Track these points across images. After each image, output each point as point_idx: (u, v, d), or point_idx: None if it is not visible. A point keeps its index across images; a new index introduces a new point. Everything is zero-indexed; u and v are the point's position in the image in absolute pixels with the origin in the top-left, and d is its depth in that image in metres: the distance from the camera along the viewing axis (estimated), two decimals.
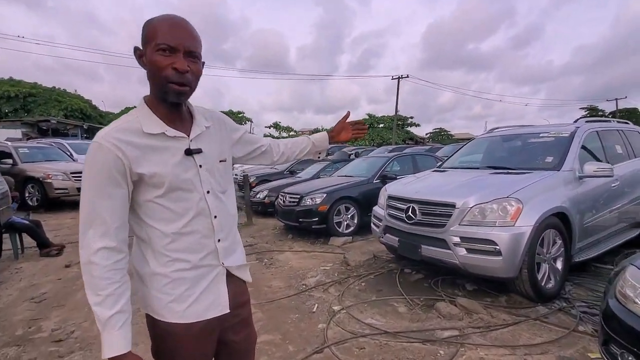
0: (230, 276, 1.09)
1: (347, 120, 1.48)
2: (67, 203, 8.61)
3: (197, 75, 0.97)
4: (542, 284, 2.92)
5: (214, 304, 1.04)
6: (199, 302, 1.00)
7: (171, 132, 0.96)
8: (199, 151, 1.00)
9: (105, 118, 29.54)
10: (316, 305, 3.05)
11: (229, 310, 1.06)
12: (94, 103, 30.26)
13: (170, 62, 0.90)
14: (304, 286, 3.51)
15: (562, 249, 3.09)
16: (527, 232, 2.75)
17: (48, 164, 8.31)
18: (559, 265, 3.09)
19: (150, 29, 0.92)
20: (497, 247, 2.73)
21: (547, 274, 2.98)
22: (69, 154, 10.15)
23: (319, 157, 1.50)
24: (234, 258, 1.10)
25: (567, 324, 2.60)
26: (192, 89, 0.97)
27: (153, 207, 0.95)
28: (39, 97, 25.78)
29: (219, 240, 1.04)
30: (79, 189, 8.80)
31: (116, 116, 39.82)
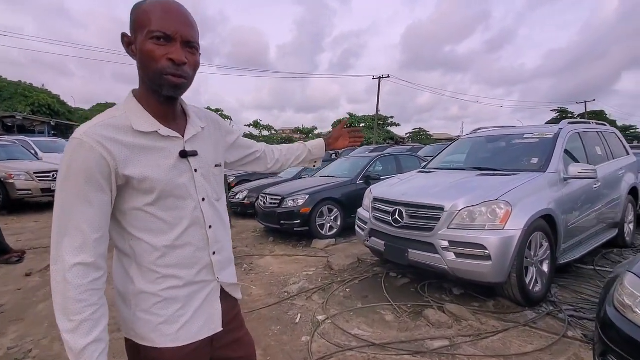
0: (222, 292, 1.00)
1: (344, 128, 1.43)
2: (31, 205, 8.08)
3: (195, 68, 0.87)
4: (530, 288, 2.86)
5: (208, 322, 0.94)
6: (192, 323, 0.90)
7: (164, 130, 0.86)
8: (194, 154, 0.90)
9: (74, 114, 28.25)
10: (299, 315, 2.88)
11: (221, 329, 0.97)
12: (62, 98, 28.84)
13: (166, 52, 0.80)
14: (285, 294, 3.34)
15: (549, 251, 3.06)
16: (517, 236, 2.69)
17: (10, 163, 7.76)
18: (545, 268, 3.06)
19: (142, 14, 0.80)
20: (487, 252, 2.65)
21: (534, 277, 2.94)
22: (33, 152, 9.55)
23: (314, 166, 1.44)
24: (227, 273, 1.01)
25: (556, 329, 2.55)
26: (190, 82, 0.87)
27: (140, 217, 0.84)
28: (4, 91, 24.37)
29: (213, 253, 0.94)
30: (43, 190, 8.16)
31: (87, 112, 38.18)
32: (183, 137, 0.89)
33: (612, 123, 36.30)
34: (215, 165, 0.99)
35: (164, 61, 0.79)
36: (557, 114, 40.31)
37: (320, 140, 1.40)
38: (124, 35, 0.84)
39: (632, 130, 39.16)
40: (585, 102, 38.33)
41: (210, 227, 0.93)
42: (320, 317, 2.81)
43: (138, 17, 0.81)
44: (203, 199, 0.92)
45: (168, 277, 0.86)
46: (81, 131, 0.78)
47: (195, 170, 0.90)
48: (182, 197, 0.87)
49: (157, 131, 0.84)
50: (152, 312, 0.86)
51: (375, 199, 3.61)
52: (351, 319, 2.80)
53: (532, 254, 2.92)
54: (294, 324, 2.75)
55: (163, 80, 0.81)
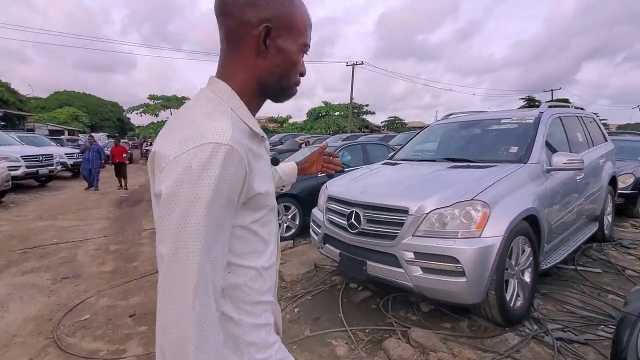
0: None
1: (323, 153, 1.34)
2: None
3: None
4: (511, 305, 2.37)
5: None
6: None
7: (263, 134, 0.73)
8: None
9: (25, 104, 25.93)
10: None
11: None
12: (15, 87, 26.36)
13: (301, 63, 0.73)
14: None
15: (531, 257, 2.58)
16: (497, 245, 2.16)
17: None
18: (527, 277, 2.58)
19: (298, 16, 0.68)
20: (460, 266, 2.11)
21: (515, 291, 2.45)
22: None
23: (281, 190, 1.32)
24: None
25: (544, 358, 2.07)
26: None
27: (246, 237, 0.64)
28: None
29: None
30: None
31: (43, 102, 35.25)
32: None
33: None
34: None
35: (298, 74, 0.74)
36: (525, 102, 41.05)
37: (293, 165, 1.30)
38: (264, 24, 0.64)
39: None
40: (552, 90, 39.15)
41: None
42: None
43: (293, 18, 0.67)
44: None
45: (266, 304, 0.71)
46: (226, 135, 0.55)
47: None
48: (274, 208, 0.74)
49: (263, 135, 0.71)
50: (268, 345, 0.70)
51: (330, 198, 3.01)
52: (293, 355, 2.20)
53: (513, 263, 2.43)
54: None
55: (292, 91, 0.75)
